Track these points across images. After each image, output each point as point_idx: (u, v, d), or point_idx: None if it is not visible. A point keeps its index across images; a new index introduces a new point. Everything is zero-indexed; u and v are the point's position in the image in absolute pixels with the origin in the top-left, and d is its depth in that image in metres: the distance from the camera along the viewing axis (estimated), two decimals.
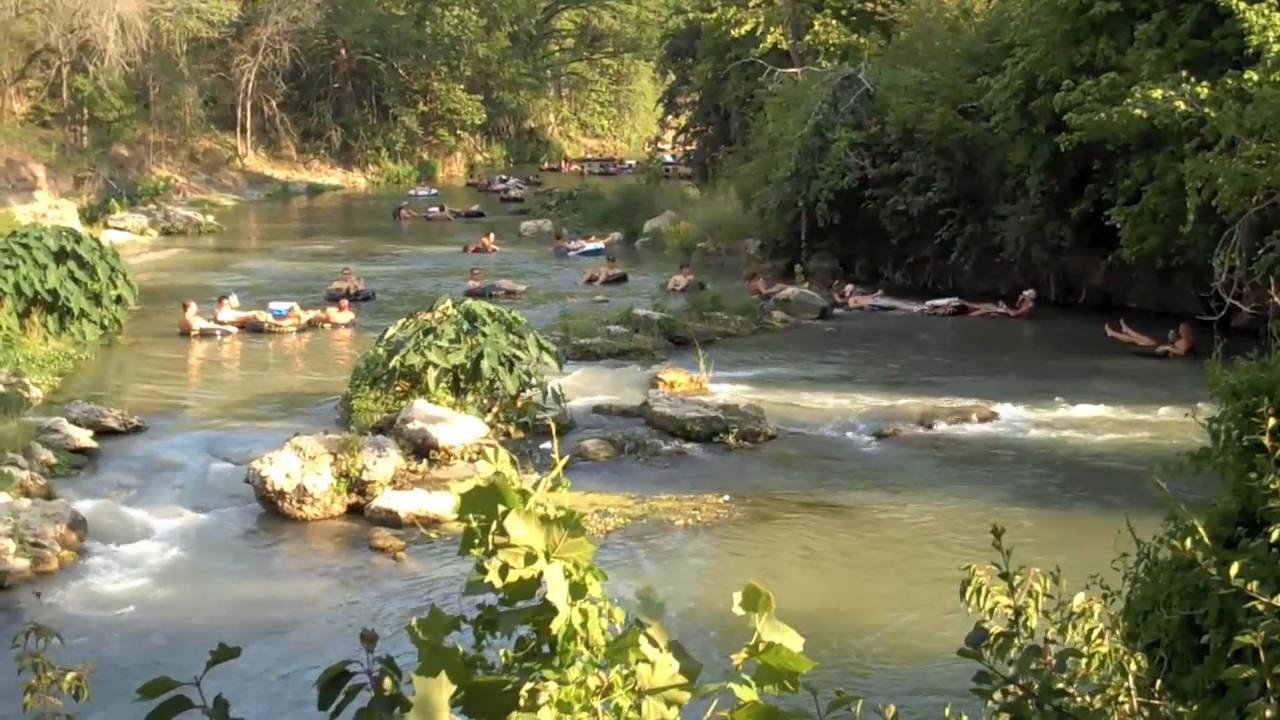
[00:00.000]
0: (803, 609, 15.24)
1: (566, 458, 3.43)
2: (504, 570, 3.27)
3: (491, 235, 52.84)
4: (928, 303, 37.15)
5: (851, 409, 26.29)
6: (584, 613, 3.26)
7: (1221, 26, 30.97)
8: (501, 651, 3.34)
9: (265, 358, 32.40)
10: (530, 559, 3.27)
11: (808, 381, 28.87)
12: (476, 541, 3.33)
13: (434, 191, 78.63)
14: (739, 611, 3.35)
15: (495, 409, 24.29)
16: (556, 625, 3.23)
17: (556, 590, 3.23)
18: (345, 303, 36.06)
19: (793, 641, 3.36)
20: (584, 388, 27.52)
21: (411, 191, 78.24)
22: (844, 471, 22.62)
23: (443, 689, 3.11)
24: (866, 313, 37.13)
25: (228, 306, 34.88)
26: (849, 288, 38.44)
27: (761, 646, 3.33)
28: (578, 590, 3.28)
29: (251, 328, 34.25)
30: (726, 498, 20.73)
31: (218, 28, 73.83)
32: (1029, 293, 36.09)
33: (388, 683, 3.32)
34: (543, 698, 3.23)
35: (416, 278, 44.96)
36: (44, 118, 67.45)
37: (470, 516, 3.32)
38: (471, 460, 22.19)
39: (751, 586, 3.35)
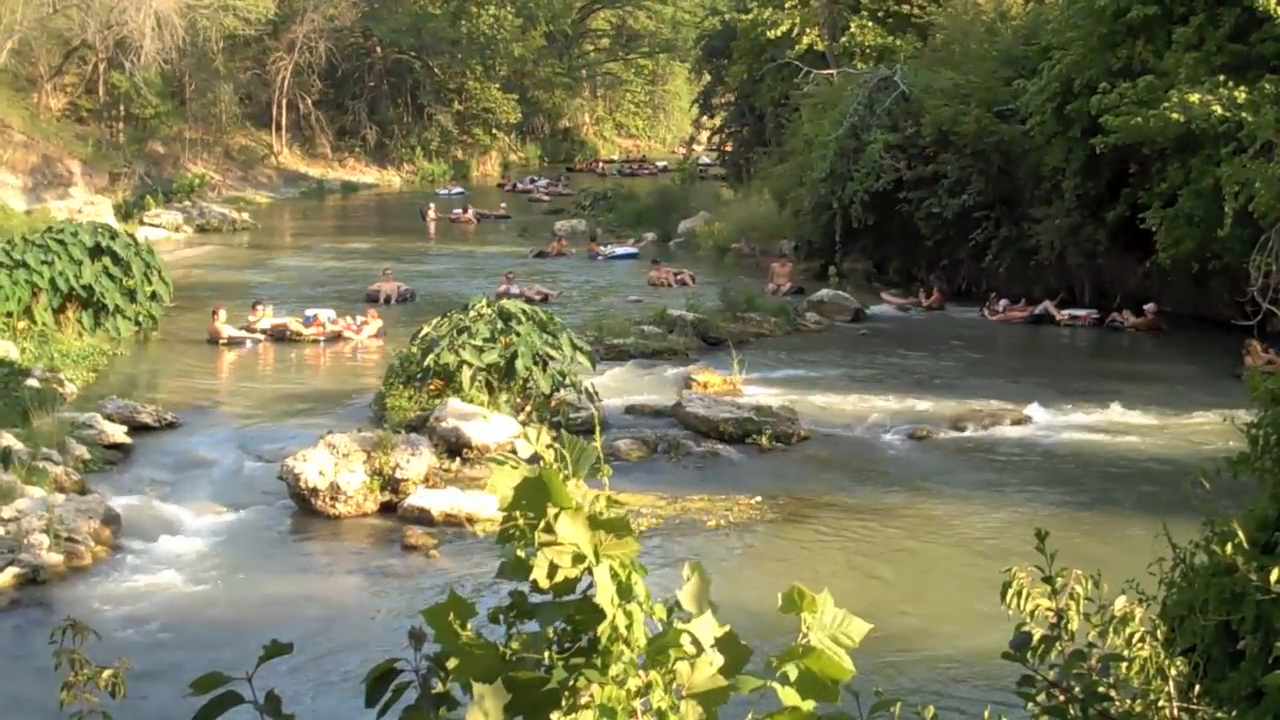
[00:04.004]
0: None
1: (599, 442, 3.40)
2: (552, 570, 3.26)
3: (564, 240, 52.49)
4: (1065, 312, 36.44)
5: (885, 411, 26.24)
6: (629, 614, 3.24)
7: (1260, 30, 30.84)
8: (545, 652, 3.32)
9: (299, 358, 32.39)
10: (578, 558, 3.25)
11: (841, 383, 28.82)
12: (520, 536, 3.31)
13: (459, 191, 78.11)
14: (784, 612, 3.34)
15: (528, 408, 24.30)
16: (603, 629, 3.22)
17: (604, 592, 3.21)
18: (374, 313, 35.15)
19: (857, 629, 3.33)
20: (617, 388, 27.51)
21: (439, 191, 77.60)
22: (877, 474, 22.59)
23: (500, 694, 3.10)
24: (1019, 324, 36.40)
25: (263, 315, 34.16)
26: (1003, 302, 37.33)
27: (804, 651, 3.31)
28: (624, 591, 3.26)
29: (276, 335, 33.63)
30: (759, 499, 20.72)
31: (254, 25, 73.94)
32: (1150, 305, 35.10)
33: (435, 681, 3.31)
34: (585, 698, 3.22)
35: (453, 277, 44.85)
36: (80, 114, 67.72)
37: (516, 511, 3.30)
38: (506, 456, 22.16)
39: (796, 588, 3.33)
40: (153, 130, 70.10)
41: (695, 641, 3.27)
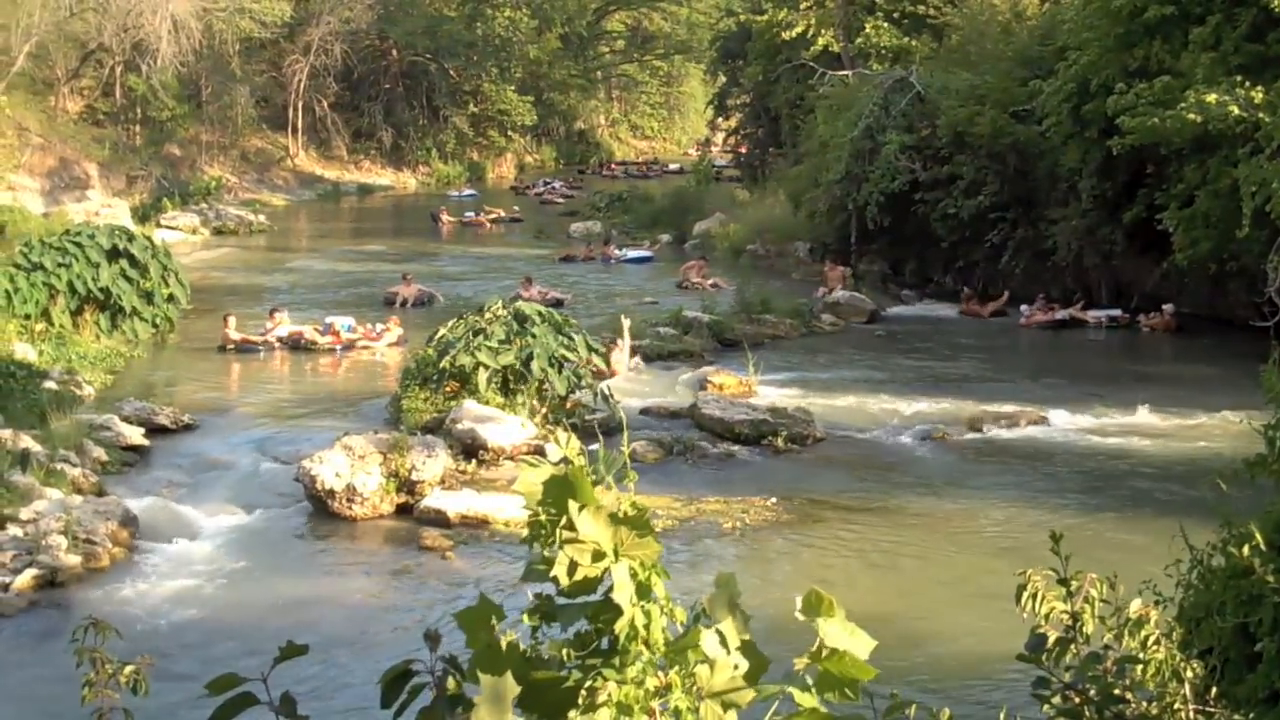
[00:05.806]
0: (852, 613, 15.16)
1: (629, 448, 3.41)
2: (572, 568, 3.26)
3: (591, 245, 52.33)
4: (1100, 314, 36.15)
5: (900, 412, 26.21)
6: (647, 613, 3.24)
7: (1277, 30, 30.75)
8: (563, 651, 3.32)
9: (316, 362, 32.37)
10: (598, 556, 3.25)
11: (856, 385, 28.76)
12: (544, 533, 3.32)
13: (471, 193, 77.93)
14: (800, 617, 3.34)
15: (544, 410, 24.29)
16: (620, 626, 3.22)
17: (622, 590, 3.21)
18: (395, 320, 34.69)
19: (863, 644, 3.34)
20: (633, 389, 27.51)
21: (451, 193, 77.53)
22: (893, 475, 22.55)
23: (508, 686, 3.11)
24: (1044, 330, 35.92)
25: (280, 323, 33.57)
26: (1024, 307, 36.94)
27: (824, 653, 3.31)
28: (643, 590, 3.26)
29: (291, 344, 33.02)
30: (774, 500, 20.69)
31: (270, 28, 74.04)
32: (1168, 307, 34.95)
33: (450, 682, 3.31)
34: (601, 697, 3.22)
35: (471, 280, 44.76)
36: (97, 117, 67.86)
37: (541, 509, 3.30)
38: (529, 452, 22.17)
39: (814, 591, 3.33)
40: (169, 133, 70.26)
41: (714, 644, 3.27)
